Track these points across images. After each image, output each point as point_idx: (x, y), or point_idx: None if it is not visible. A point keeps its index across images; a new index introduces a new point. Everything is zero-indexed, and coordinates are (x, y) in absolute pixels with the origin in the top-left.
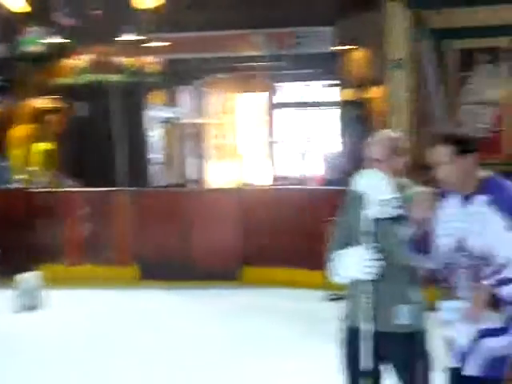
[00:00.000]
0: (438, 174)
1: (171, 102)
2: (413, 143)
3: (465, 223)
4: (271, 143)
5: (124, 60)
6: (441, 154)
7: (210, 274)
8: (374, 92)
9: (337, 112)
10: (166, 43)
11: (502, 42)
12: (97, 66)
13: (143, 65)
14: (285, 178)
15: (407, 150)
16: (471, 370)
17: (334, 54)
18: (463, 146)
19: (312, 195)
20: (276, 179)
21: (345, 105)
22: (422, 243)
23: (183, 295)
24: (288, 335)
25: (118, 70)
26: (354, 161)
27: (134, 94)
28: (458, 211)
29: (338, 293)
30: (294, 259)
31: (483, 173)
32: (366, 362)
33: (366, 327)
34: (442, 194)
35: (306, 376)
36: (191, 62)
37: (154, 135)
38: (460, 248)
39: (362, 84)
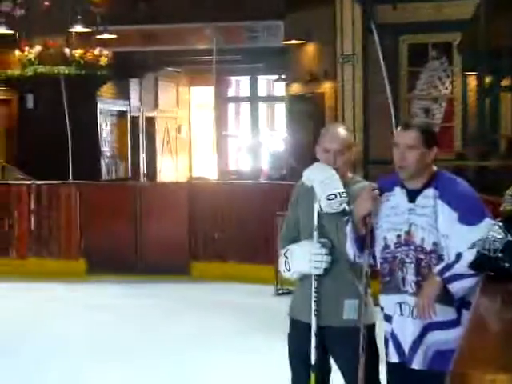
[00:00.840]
0: (397, 156)
1: (122, 95)
2: (363, 138)
3: (413, 217)
4: (223, 137)
5: (74, 52)
6: (410, 138)
7: (159, 269)
8: (326, 86)
9: (287, 106)
10: (117, 36)
11: (453, 37)
12: (46, 58)
13: (93, 57)
14: (236, 172)
15: (356, 145)
16: (418, 363)
17: (285, 48)
18: (432, 138)
19: (262, 189)
20: (227, 173)
21: (295, 99)
22: (367, 239)
23: (131, 289)
24: (237, 330)
25: (68, 61)
26: (303, 155)
27: (84, 87)
28: (403, 205)
29: (289, 287)
30: (244, 254)
31: (434, 168)
32: (312, 356)
33: (314, 322)
34: (386, 188)
35: (255, 370)
36: (142, 54)
37: (105, 128)
38: (406, 242)
39: (313, 78)
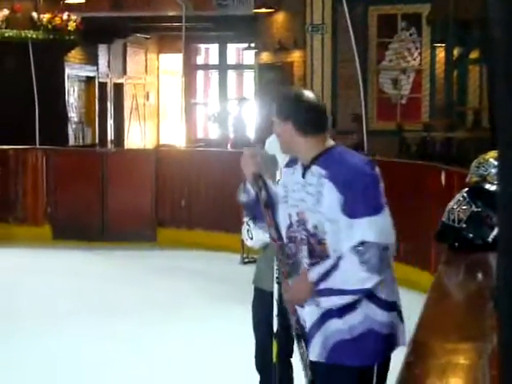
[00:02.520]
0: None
1: (90, 61)
2: (331, 108)
3: (303, 194)
4: (192, 105)
5: (42, 16)
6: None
7: (125, 235)
8: (295, 56)
9: (256, 75)
10: (86, 1)
11: (422, 8)
12: (13, 22)
13: (61, 22)
14: (203, 140)
15: None
16: (315, 355)
17: (255, 17)
18: (285, 108)
19: (230, 157)
20: (194, 141)
21: (265, 68)
22: (266, 213)
23: (96, 256)
24: (202, 297)
25: (36, 26)
26: (270, 124)
27: (52, 52)
28: (299, 180)
29: (254, 256)
30: (211, 221)
31: (327, 143)
32: (275, 324)
33: (275, 290)
34: (294, 160)
35: (220, 337)
36: (111, 20)
37: (73, 94)
38: (301, 221)
39: (282, 47)
